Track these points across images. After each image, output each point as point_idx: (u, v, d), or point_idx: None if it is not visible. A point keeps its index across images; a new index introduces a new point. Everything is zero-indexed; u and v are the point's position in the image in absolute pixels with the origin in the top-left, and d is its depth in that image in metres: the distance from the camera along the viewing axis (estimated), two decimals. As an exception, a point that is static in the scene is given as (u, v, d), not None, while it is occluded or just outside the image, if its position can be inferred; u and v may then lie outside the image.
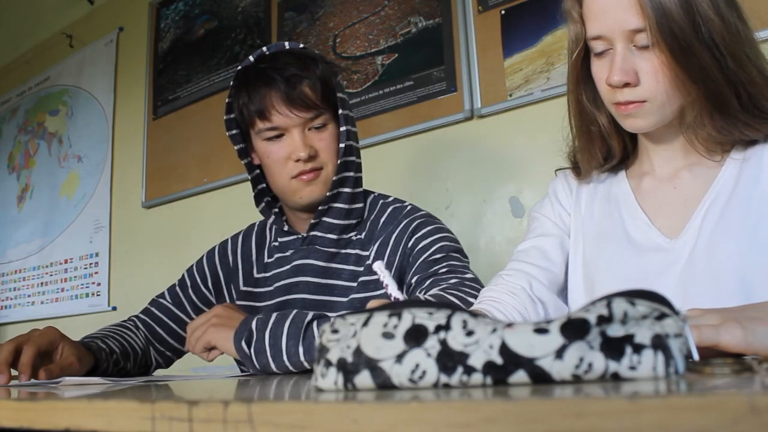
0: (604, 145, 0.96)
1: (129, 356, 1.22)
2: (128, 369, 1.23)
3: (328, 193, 1.16)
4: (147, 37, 2.83)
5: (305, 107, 1.12)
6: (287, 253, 1.24)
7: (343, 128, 1.15)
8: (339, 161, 1.16)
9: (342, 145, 1.16)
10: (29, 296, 3.13)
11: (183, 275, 1.35)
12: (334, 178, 1.16)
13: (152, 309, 1.32)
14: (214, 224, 2.43)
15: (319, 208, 1.18)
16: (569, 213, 1.02)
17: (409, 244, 1.15)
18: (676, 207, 0.90)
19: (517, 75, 1.73)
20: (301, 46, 1.20)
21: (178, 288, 1.34)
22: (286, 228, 1.24)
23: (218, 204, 2.47)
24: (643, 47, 0.82)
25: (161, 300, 1.33)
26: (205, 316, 1.05)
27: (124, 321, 1.32)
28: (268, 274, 1.26)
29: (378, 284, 1.16)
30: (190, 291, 1.32)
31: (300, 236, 1.23)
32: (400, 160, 1.96)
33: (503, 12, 1.78)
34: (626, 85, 0.83)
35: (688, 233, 0.86)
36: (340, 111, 1.15)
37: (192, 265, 1.36)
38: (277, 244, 1.27)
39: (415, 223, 1.17)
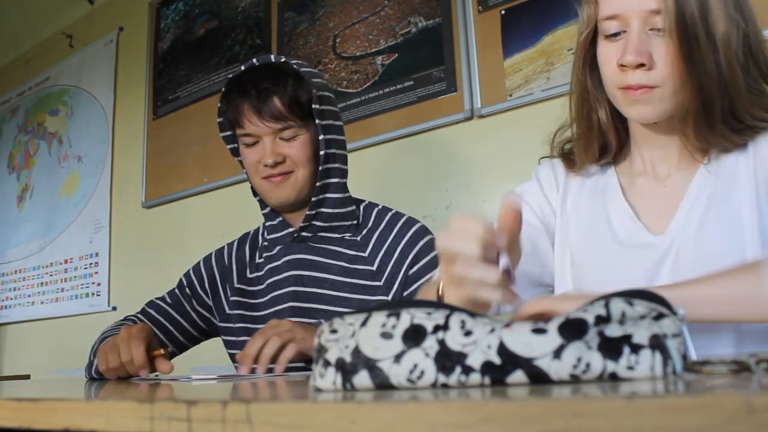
0: (601, 138, 0.93)
1: None
2: None
3: (313, 198, 1.23)
4: (147, 37, 2.83)
5: (274, 118, 1.20)
6: (274, 251, 1.29)
7: (321, 137, 1.21)
8: (321, 168, 1.22)
9: (321, 153, 1.22)
10: (29, 296, 3.13)
11: (180, 279, 1.38)
12: (317, 184, 1.22)
13: (149, 310, 1.35)
14: (214, 224, 2.43)
15: (307, 212, 1.24)
16: (554, 212, 0.99)
17: (411, 272, 1.22)
18: (662, 203, 0.90)
19: (517, 75, 1.73)
20: (283, 59, 1.26)
21: (177, 291, 1.37)
22: (280, 219, 1.29)
23: (218, 204, 2.47)
24: (659, 31, 0.80)
25: (159, 302, 1.36)
26: (267, 334, 1.06)
27: (124, 321, 1.33)
28: (260, 273, 1.30)
29: (375, 290, 1.22)
30: (187, 291, 1.35)
31: (291, 231, 1.27)
32: (400, 160, 1.96)
33: (503, 12, 1.78)
34: (639, 66, 0.81)
35: (674, 228, 0.86)
36: (317, 121, 1.21)
37: (189, 270, 1.39)
38: (266, 243, 1.32)
39: (420, 245, 1.24)
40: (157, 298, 1.37)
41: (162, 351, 1.11)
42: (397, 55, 1.98)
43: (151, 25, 2.82)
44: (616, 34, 0.83)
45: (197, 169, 2.52)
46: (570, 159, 0.97)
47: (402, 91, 1.95)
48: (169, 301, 1.35)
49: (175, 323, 1.34)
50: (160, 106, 2.72)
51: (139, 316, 1.34)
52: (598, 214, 0.94)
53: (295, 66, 1.24)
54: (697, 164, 0.88)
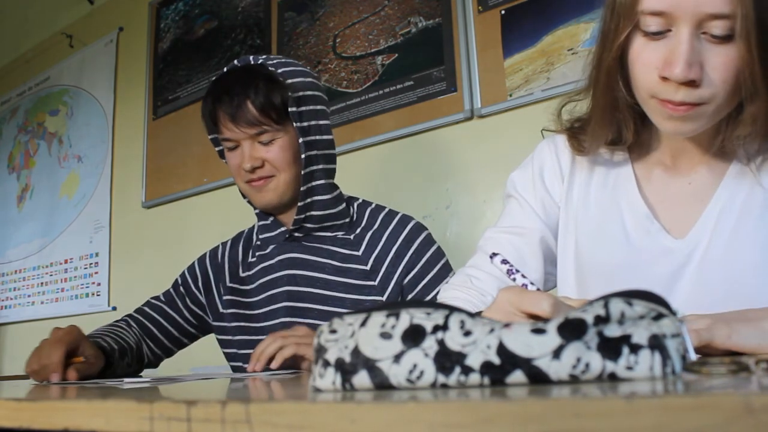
0: (616, 130, 0.82)
1: (126, 352, 1.25)
2: (129, 363, 1.26)
3: (300, 204, 1.21)
4: (147, 37, 2.83)
5: (248, 124, 1.18)
6: (267, 251, 1.28)
7: (300, 140, 1.19)
8: (303, 172, 1.20)
9: (302, 156, 1.20)
10: (29, 296, 3.13)
11: (176, 278, 1.40)
12: (302, 189, 1.21)
13: (145, 308, 1.37)
14: (214, 224, 2.43)
15: (295, 218, 1.23)
16: (558, 204, 0.90)
17: (410, 276, 1.21)
18: (684, 202, 0.81)
19: (517, 75, 1.73)
20: (260, 60, 1.23)
21: (171, 290, 1.39)
22: (272, 218, 1.28)
23: (218, 204, 2.47)
24: (715, 38, 0.68)
25: (155, 301, 1.38)
26: (293, 332, 1.07)
27: (116, 321, 1.35)
28: (252, 272, 1.30)
29: (369, 289, 1.21)
30: (182, 290, 1.36)
31: (283, 231, 1.27)
32: (400, 160, 1.96)
33: (503, 12, 1.78)
34: (689, 82, 0.68)
35: (699, 233, 0.78)
36: (295, 124, 1.19)
37: (184, 269, 1.40)
38: (259, 242, 1.32)
39: (417, 243, 1.23)
40: (153, 297, 1.39)
41: (82, 359, 1.08)
42: (397, 55, 1.98)
43: (151, 25, 2.82)
44: (658, 34, 0.70)
45: (197, 169, 2.52)
46: (577, 138, 0.87)
47: (402, 91, 1.95)
48: (163, 299, 1.37)
49: (171, 320, 1.35)
50: (160, 106, 2.72)
51: (135, 315, 1.36)
52: (609, 208, 0.85)
53: (271, 67, 1.21)
54: (727, 161, 0.79)
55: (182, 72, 2.65)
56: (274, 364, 1.03)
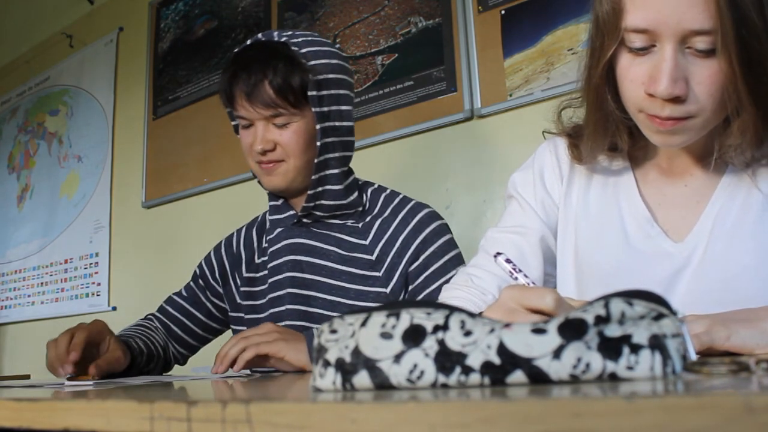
0: (612, 139, 0.83)
1: (153, 358, 1.25)
2: (151, 369, 1.26)
3: (310, 192, 1.18)
4: (147, 37, 2.83)
5: (264, 105, 1.15)
6: (274, 234, 1.25)
7: (318, 126, 1.16)
8: (316, 161, 1.17)
9: (318, 144, 1.16)
10: (29, 296, 3.13)
11: (195, 270, 1.37)
12: (313, 177, 1.18)
13: (166, 307, 1.35)
14: (214, 224, 2.43)
15: (304, 205, 1.20)
16: (557, 205, 0.90)
17: (414, 266, 1.17)
18: (681, 205, 0.82)
19: (517, 75, 1.73)
20: (284, 38, 1.18)
21: (192, 283, 1.36)
22: (283, 199, 1.25)
23: (218, 204, 2.47)
24: (700, 52, 0.68)
25: (175, 297, 1.36)
26: (256, 331, 1.06)
27: (144, 321, 1.34)
28: (266, 258, 1.27)
29: (374, 280, 1.18)
30: (201, 283, 1.34)
31: (292, 215, 1.24)
32: (400, 160, 1.96)
33: (503, 12, 1.78)
34: (675, 98, 0.69)
35: (697, 236, 0.78)
36: (313, 109, 1.15)
37: (201, 260, 1.38)
38: (268, 225, 1.29)
39: (425, 233, 1.19)
40: (174, 293, 1.37)
41: (92, 373, 1.04)
42: (397, 55, 1.98)
43: (151, 25, 2.82)
44: (643, 50, 0.71)
45: (197, 169, 2.52)
46: (576, 146, 0.87)
47: (402, 91, 1.95)
48: (184, 294, 1.35)
49: (192, 317, 1.33)
50: (160, 106, 2.72)
51: (159, 315, 1.35)
52: (608, 210, 0.86)
53: (294, 47, 1.16)
54: (723, 164, 0.79)
55: (182, 72, 2.66)
56: (236, 368, 1.02)
